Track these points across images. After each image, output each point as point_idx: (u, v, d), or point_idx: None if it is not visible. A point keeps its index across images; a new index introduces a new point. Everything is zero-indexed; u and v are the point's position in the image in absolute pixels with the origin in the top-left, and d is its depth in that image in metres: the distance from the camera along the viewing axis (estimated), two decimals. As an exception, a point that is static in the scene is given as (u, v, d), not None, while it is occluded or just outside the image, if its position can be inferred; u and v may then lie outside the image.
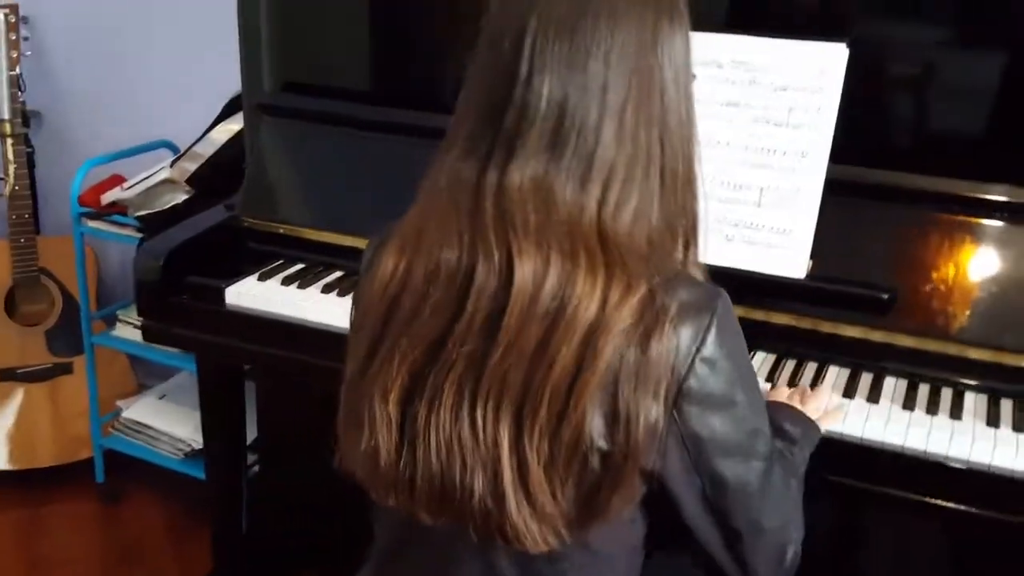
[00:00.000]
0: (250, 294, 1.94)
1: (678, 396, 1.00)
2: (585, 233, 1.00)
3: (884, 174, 1.68)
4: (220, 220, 2.10)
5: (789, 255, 1.63)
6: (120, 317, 2.68)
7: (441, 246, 1.03)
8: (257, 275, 1.99)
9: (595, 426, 0.98)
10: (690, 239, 1.10)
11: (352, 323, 1.17)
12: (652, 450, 1.01)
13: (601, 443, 0.99)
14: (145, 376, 2.95)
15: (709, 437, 1.04)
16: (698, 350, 1.00)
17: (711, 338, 1.01)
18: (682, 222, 1.08)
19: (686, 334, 0.99)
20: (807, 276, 1.62)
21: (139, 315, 2.00)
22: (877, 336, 1.63)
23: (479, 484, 1.01)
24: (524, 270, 0.98)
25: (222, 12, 2.63)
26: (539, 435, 0.99)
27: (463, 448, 1.01)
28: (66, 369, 2.83)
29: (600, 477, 1.01)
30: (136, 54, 2.85)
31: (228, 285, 1.95)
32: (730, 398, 1.04)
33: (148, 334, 2.02)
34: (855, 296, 1.63)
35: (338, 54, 2.14)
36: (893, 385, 1.61)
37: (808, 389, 1.51)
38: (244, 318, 1.93)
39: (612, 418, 0.99)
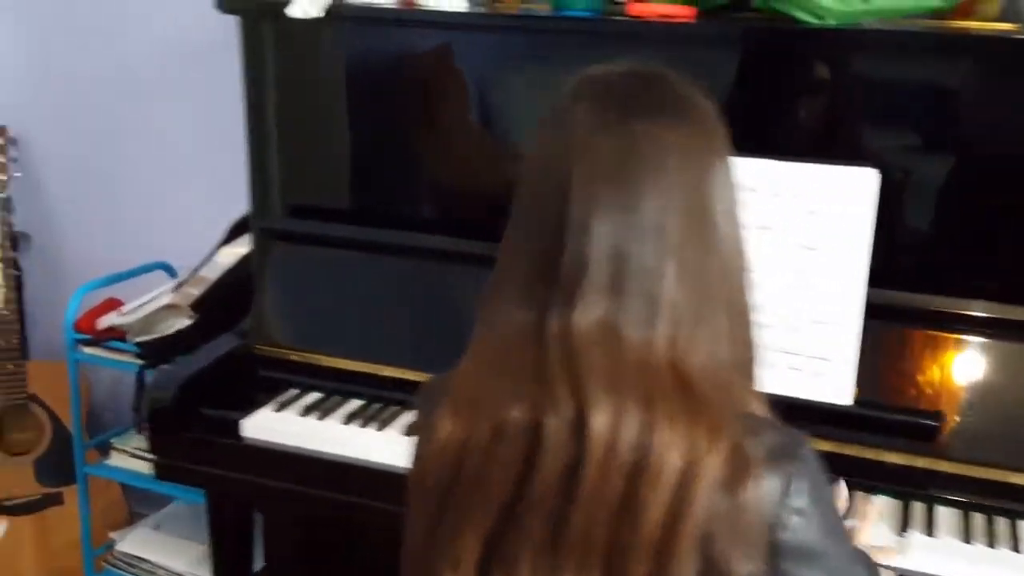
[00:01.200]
0: (268, 427, 1.88)
1: (770, 549, 0.96)
2: (660, 377, 0.96)
3: (923, 298, 1.68)
4: (231, 348, 2.05)
5: (835, 381, 1.61)
6: (115, 445, 2.58)
7: (505, 403, 0.99)
8: (274, 406, 1.93)
9: None
10: (751, 373, 1.07)
11: (410, 485, 1.10)
12: None
13: None
14: (137, 504, 2.84)
15: None
16: (787, 501, 0.96)
17: (799, 487, 0.96)
18: (745, 356, 1.05)
19: (774, 484, 0.95)
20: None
21: (152, 452, 1.93)
22: (922, 463, 1.61)
23: None
24: (598, 421, 0.94)
25: (218, 130, 2.63)
26: None
27: None
28: (55, 500, 2.72)
29: None
30: (130, 173, 2.82)
31: (244, 418, 1.89)
32: (823, 549, 0.99)
33: (161, 471, 1.95)
34: (900, 423, 1.62)
35: (350, 177, 2.12)
36: (947, 515, 1.59)
37: (867, 511, 1.48)
38: (262, 452, 1.87)
39: (706, 573, 0.94)
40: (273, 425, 1.89)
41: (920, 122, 1.72)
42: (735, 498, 0.93)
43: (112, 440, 2.60)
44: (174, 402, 1.88)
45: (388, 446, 1.81)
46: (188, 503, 2.66)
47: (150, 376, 2.40)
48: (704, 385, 0.97)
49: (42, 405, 2.71)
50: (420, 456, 1.07)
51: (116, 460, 2.58)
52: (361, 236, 2.05)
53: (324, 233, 2.07)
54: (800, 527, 0.96)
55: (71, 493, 2.69)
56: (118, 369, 2.58)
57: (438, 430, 1.03)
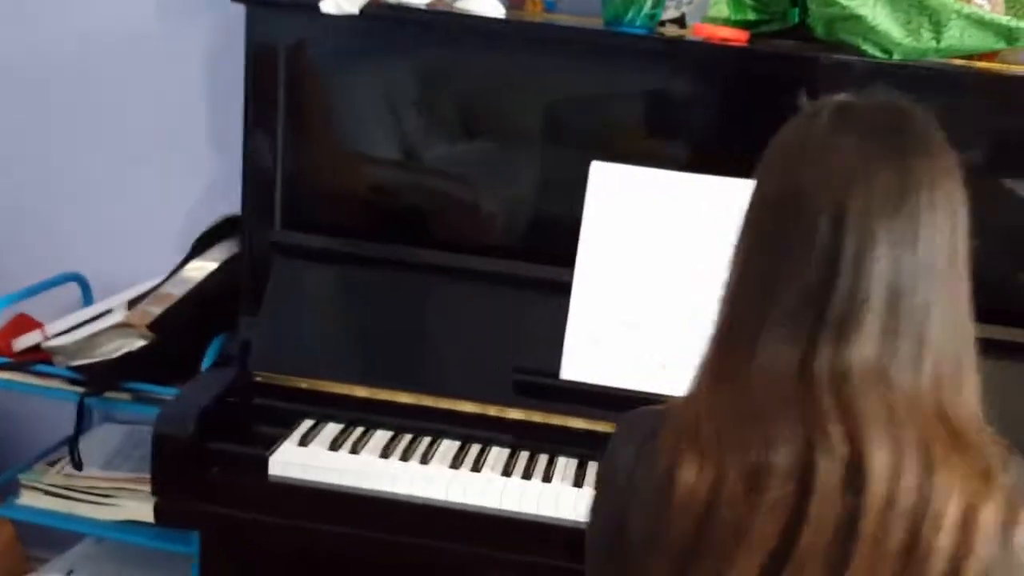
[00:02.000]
0: (297, 462, 1.70)
1: None
2: (931, 420, 0.95)
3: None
4: (233, 376, 1.84)
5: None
6: (24, 482, 2.24)
7: (761, 445, 0.94)
8: (296, 439, 1.75)
9: None
10: None
11: (632, 535, 1.02)
12: None
13: None
14: (34, 547, 2.49)
15: None
16: None
17: None
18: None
19: None
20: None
21: (155, 493, 1.70)
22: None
23: None
24: (879, 462, 0.91)
25: (137, 131, 2.38)
26: None
27: None
28: (-61, 547, 2.35)
29: None
30: (34, 178, 2.46)
31: (269, 454, 1.70)
32: None
33: (164, 516, 1.72)
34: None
35: (362, 186, 1.96)
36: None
37: None
38: (294, 491, 1.69)
39: None
40: (302, 460, 1.70)
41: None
42: (1009, 541, 0.93)
43: (20, 477, 2.26)
44: (191, 439, 1.67)
45: (432, 480, 1.69)
46: (99, 540, 2.38)
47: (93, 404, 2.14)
48: (969, 427, 0.96)
49: (-82, 438, 2.34)
50: (660, 505, 0.98)
51: (27, 499, 2.25)
52: (371, 252, 1.90)
53: (333, 248, 1.90)
54: None
55: (-43, 539, 2.33)
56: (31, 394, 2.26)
57: (681, 477, 0.95)
